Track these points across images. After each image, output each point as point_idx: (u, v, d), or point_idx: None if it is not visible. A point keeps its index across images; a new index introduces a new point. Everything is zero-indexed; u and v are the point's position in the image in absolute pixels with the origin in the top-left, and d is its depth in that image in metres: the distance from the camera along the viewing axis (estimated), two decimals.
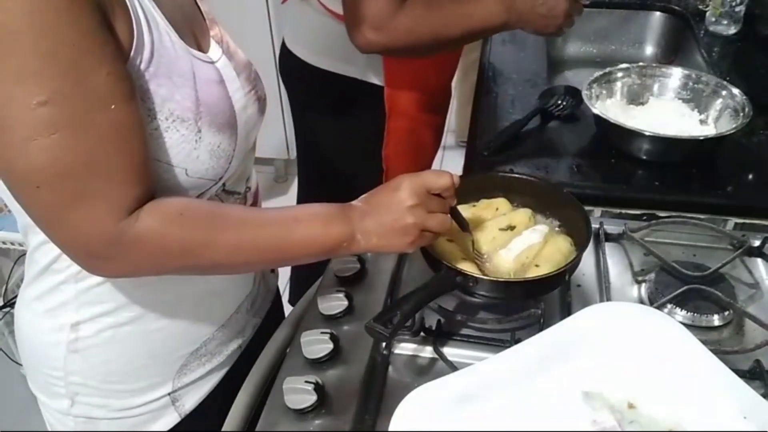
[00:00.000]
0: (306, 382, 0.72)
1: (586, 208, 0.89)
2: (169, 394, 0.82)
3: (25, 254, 0.78)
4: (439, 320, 0.82)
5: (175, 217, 0.64)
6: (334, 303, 0.84)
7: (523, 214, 0.89)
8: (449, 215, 0.74)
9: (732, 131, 1.10)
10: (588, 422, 0.66)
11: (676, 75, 1.30)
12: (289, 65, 1.34)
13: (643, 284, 0.91)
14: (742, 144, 1.20)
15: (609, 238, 0.98)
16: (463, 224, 0.81)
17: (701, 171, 1.14)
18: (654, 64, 1.40)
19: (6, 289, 1.67)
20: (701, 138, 1.14)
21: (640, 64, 1.34)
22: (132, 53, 0.62)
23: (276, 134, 2.60)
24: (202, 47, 0.74)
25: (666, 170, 1.14)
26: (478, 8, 1.10)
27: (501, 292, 0.82)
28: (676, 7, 1.73)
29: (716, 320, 0.84)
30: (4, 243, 1.62)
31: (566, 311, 0.84)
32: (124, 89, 0.60)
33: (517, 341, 0.74)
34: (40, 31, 0.54)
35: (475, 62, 1.67)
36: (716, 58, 1.53)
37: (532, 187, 0.93)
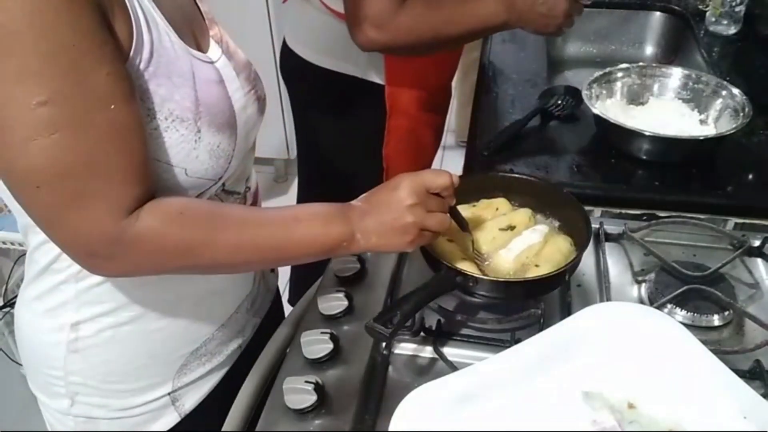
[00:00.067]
0: (306, 382, 0.72)
1: (586, 208, 0.89)
2: (169, 393, 0.82)
3: (25, 254, 0.78)
4: (439, 320, 0.82)
5: (176, 217, 0.64)
6: (334, 303, 0.84)
7: (523, 214, 0.89)
8: (448, 215, 0.74)
9: (732, 131, 1.10)
10: (588, 422, 0.66)
11: (676, 75, 1.30)
12: (290, 64, 1.34)
13: (643, 284, 0.91)
14: (742, 144, 1.20)
15: (609, 238, 0.98)
16: (463, 224, 0.81)
17: (701, 171, 1.14)
18: (654, 64, 1.40)
19: (6, 289, 1.67)
20: (701, 138, 1.14)
21: (640, 64, 1.34)
22: (131, 53, 0.62)
23: (276, 134, 2.60)
24: (201, 47, 0.74)
25: (666, 170, 1.14)
26: (479, 7, 1.11)
27: (501, 292, 0.82)
28: (676, 7, 1.73)
29: (716, 320, 0.84)
30: (4, 243, 1.62)
31: (566, 311, 0.84)
32: (123, 89, 0.60)
33: (517, 341, 0.74)
34: (40, 31, 0.54)
35: (475, 62, 1.68)
36: (716, 58, 1.53)
37: (532, 187, 0.93)
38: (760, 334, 0.81)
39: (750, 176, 1.15)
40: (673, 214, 1.04)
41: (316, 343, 0.77)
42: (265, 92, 0.84)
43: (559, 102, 1.31)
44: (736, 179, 1.13)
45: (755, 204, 1.09)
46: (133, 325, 0.76)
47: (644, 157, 1.16)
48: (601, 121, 1.18)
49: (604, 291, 0.87)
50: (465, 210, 0.87)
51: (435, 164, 1.54)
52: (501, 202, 0.92)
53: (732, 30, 1.62)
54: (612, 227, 1.00)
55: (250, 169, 0.85)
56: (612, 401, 0.68)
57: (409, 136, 1.33)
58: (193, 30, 0.74)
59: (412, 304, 0.74)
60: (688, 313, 0.84)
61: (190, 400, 0.85)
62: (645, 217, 1.07)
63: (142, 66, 0.63)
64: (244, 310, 0.89)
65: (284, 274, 1.36)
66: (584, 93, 1.21)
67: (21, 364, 1.14)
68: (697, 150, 1.15)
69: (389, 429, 0.64)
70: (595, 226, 0.96)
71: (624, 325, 0.74)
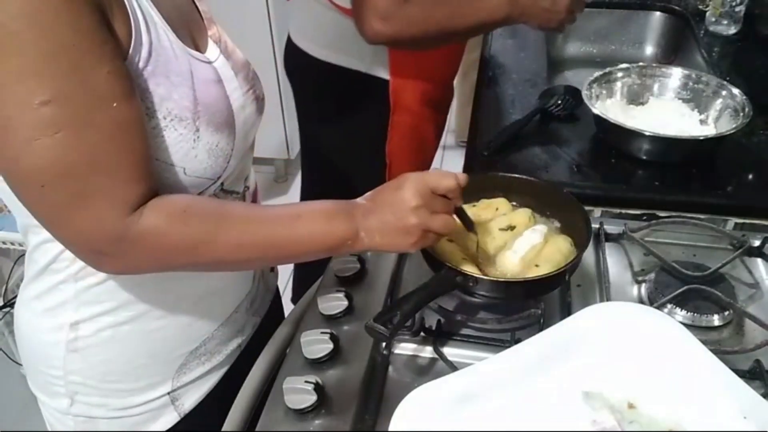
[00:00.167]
0: (306, 382, 0.72)
1: (586, 208, 0.89)
2: (168, 393, 0.82)
3: (24, 254, 0.78)
4: (439, 320, 0.82)
5: (179, 214, 0.64)
6: (334, 303, 0.84)
7: (523, 214, 0.89)
8: (454, 216, 0.74)
9: (732, 131, 1.10)
10: (588, 422, 0.66)
11: (676, 75, 1.30)
12: (295, 60, 1.35)
13: (643, 284, 0.91)
14: (742, 144, 1.20)
15: (609, 238, 0.98)
16: (469, 224, 0.80)
17: (701, 171, 1.14)
18: (654, 64, 1.40)
19: (6, 289, 1.67)
20: (701, 138, 1.14)
21: (640, 64, 1.34)
22: (130, 52, 0.62)
23: (276, 134, 2.60)
24: (199, 47, 0.74)
25: (666, 170, 1.14)
26: (483, 1, 1.12)
27: (501, 292, 0.82)
28: (676, 7, 1.73)
29: (716, 320, 0.84)
30: (4, 243, 1.63)
31: (566, 311, 0.84)
32: (124, 87, 0.60)
33: (517, 341, 0.74)
34: (40, 31, 0.54)
35: (475, 62, 1.68)
36: (716, 58, 1.53)
37: (532, 187, 0.93)
38: (760, 334, 0.81)
39: (750, 176, 1.15)
40: (673, 214, 1.04)
41: (316, 343, 0.77)
42: (263, 92, 0.84)
43: (559, 102, 1.31)
44: (736, 179, 1.13)
45: (755, 204, 1.09)
46: (133, 325, 0.76)
47: (644, 157, 1.16)
48: (601, 121, 1.18)
49: (604, 291, 0.87)
50: (465, 210, 0.87)
51: (435, 164, 1.55)
52: (501, 202, 0.92)
53: (732, 30, 1.62)
54: (612, 227, 1.00)
55: (248, 168, 0.85)
56: (612, 401, 0.68)
57: (412, 133, 1.34)
58: (191, 30, 0.74)
59: (412, 304, 0.74)
60: (688, 313, 0.84)
61: (190, 399, 0.85)
62: (645, 217, 1.07)
63: (140, 65, 0.63)
64: (244, 310, 0.89)
65: (284, 273, 1.36)
66: (584, 93, 1.21)
67: (21, 364, 1.14)
68: (697, 150, 1.15)
69: (389, 429, 0.64)
70: (595, 226, 0.96)
71: (624, 325, 0.74)
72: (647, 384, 0.69)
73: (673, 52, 1.72)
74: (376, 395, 0.76)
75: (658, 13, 1.74)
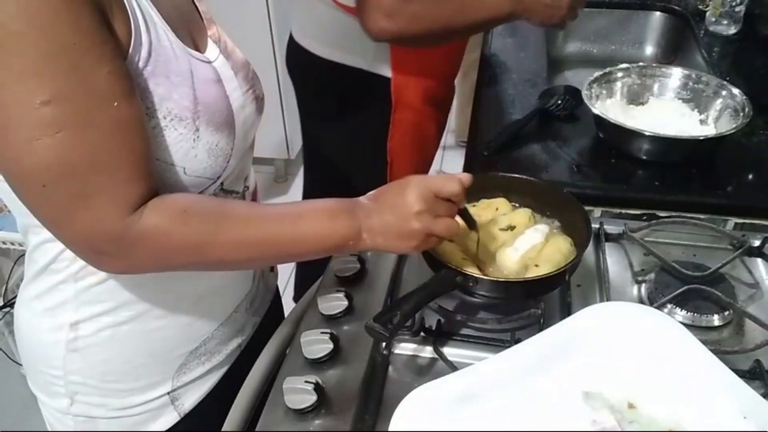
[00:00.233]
0: (306, 382, 0.72)
1: (586, 208, 0.89)
2: (168, 393, 0.82)
3: (24, 254, 0.78)
4: (439, 320, 0.82)
5: (179, 214, 0.64)
6: (334, 303, 0.84)
7: (523, 214, 0.89)
8: (457, 220, 0.73)
9: (732, 131, 1.10)
10: (588, 422, 0.66)
11: (676, 75, 1.30)
12: (297, 58, 1.36)
13: (643, 284, 0.91)
14: (742, 144, 1.20)
15: (609, 238, 0.98)
16: (471, 223, 0.80)
17: (701, 171, 1.14)
18: (654, 64, 1.40)
19: (6, 289, 1.67)
20: (701, 138, 1.14)
21: (640, 64, 1.34)
22: (130, 52, 0.62)
23: (276, 134, 2.60)
24: (199, 47, 0.74)
25: (666, 170, 1.14)
26: None
27: (501, 292, 0.82)
28: (676, 7, 1.73)
29: (716, 320, 0.84)
30: (4, 243, 1.63)
31: (566, 311, 0.84)
32: (124, 86, 0.60)
33: (517, 341, 0.74)
34: (40, 31, 0.55)
35: (475, 62, 1.68)
36: (716, 58, 1.53)
37: (532, 187, 0.93)
38: (760, 334, 0.81)
39: (750, 176, 1.15)
40: (673, 214, 1.04)
41: (316, 343, 0.77)
42: (263, 92, 0.84)
43: (559, 102, 1.31)
44: (736, 179, 1.13)
45: (755, 204, 1.09)
46: (133, 325, 0.76)
47: (644, 157, 1.16)
48: (601, 121, 1.18)
49: (604, 291, 0.87)
50: (467, 209, 0.87)
51: (435, 163, 1.55)
52: (501, 202, 0.92)
53: (732, 30, 1.62)
54: (612, 227, 1.00)
55: (248, 168, 0.85)
56: (612, 401, 0.68)
57: (414, 130, 1.34)
58: (191, 30, 0.74)
59: (412, 304, 0.74)
60: (688, 313, 0.84)
61: (190, 399, 0.85)
62: (645, 217, 1.07)
63: (140, 65, 0.63)
64: (244, 309, 0.89)
65: (284, 273, 1.36)
66: (584, 93, 1.21)
67: (21, 364, 1.14)
68: (697, 150, 1.15)
69: (389, 429, 0.64)
70: (595, 226, 0.96)
71: (624, 325, 0.74)
72: (647, 384, 0.69)
73: (673, 52, 1.72)
74: (376, 395, 0.76)
75: (658, 13, 1.74)
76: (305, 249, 0.70)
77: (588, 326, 0.74)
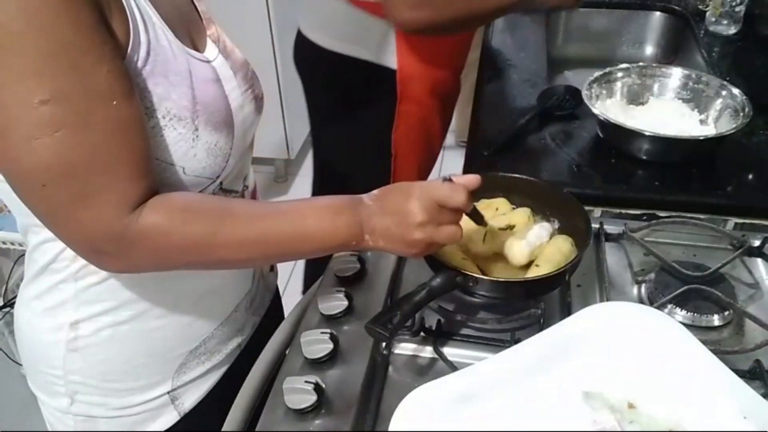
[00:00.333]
0: (306, 382, 0.72)
1: (586, 208, 0.89)
2: (168, 392, 0.82)
3: (24, 254, 0.78)
4: (439, 320, 0.82)
5: (179, 213, 0.64)
6: (334, 303, 0.84)
7: (522, 214, 0.89)
8: (461, 228, 0.72)
9: (732, 131, 1.10)
10: (588, 422, 0.66)
11: (676, 75, 1.30)
12: (304, 52, 1.37)
13: (643, 284, 0.91)
14: (742, 144, 1.20)
15: (609, 238, 0.98)
16: (479, 220, 0.79)
17: (701, 171, 1.14)
18: (654, 64, 1.39)
19: (6, 289, 1.67)
20: (701, 138, 1.14)
21: (640, 64, 1.34)
22: (129, 51, 0.62)
23: (276, 134, 2.60)
24: (198, 46, 0.74)
25: (666, 170, 1.14)
26: None
27: (501, 292, 0.82)
28: (676, 7, 1.73)
29: (716, 320, 0.84)
30: (4, 243, 1.63)
31: (566, 311, 0.84)
32: (124, 86, 0.60)
33: (517, 341, 0.74)
34: (40, 31, 0.55)
35: (475, 62, 1.68)
36: (716, 58, 1.53)
37: (532, 187, 0.93)
38: (760, 334, 0.81)
39: (750, 176, 1.15)
40: (673, 214, 1.04)
41: (316, 343, 0.77)
42: (262, 91, 0.84)
43: (559, 102, 1.31)
44: (736, 179, 1.13)
45: (755, 204, 1.09)
46: (132, 324, 0.76)
47: (644, 157, 1.16)
48: (601, 121, 1.18)
49: (604, 291, 0.87)
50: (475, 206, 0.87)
51: (435, 164, 1.54)
52: (501, 202, 0.92)
53: (732, 30, 1.62)
54: (612, 227, 1.00)
55: (248, 168, 0.85)
56: (612, 401, 0.68)
57: (419, 124, 1.35)
58: (189, 29, 0.74)
59: (412, 304, 0.74)
60: (688, 313, 0.84)
61: (190, 399, 0.85)
62: (645, 217, 1.07)
63: (139, 65, 0.63)
64: (243, 309, 0.89)
65: (284, 273, 1.36)
66: (584, 93, 1.21)
67: (21, 364, 1.14)
68: (697, 150, 1.15)
69: (389, 429, 0.64)
70: (595, 226, 0.96)
71: (624, 325, 0.74)
72: (647, 384, 0.69)
73: (673, 52, 1.72)
74: (376, 395, 0.76)
75: (658, 13, 1.74)
76: (307, 248, 0.69)
77: (588, 326, 0.74)
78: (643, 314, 0.75)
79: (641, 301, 0.88)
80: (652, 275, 0.91)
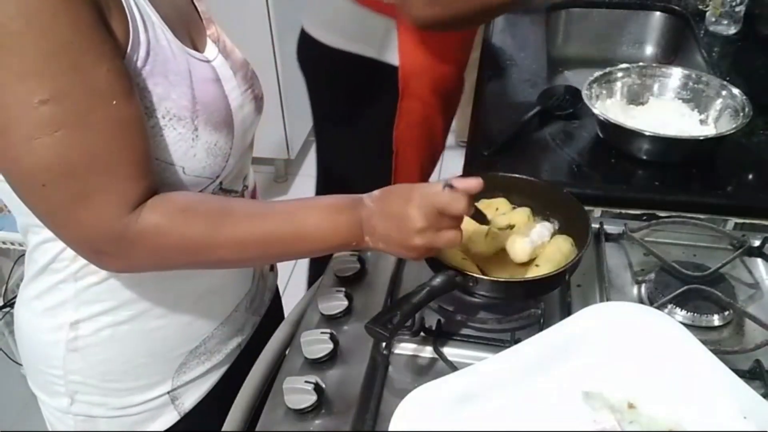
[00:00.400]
0: (306, 382, 0.72)
1: (586, 208, 0.89)
2: (168, 392, 0.82)
3: (24, 254, 0.78)
4: (439, 320, 0.82)
5: (179, 213, 0.64)
6: (334, 303, 0.84)
7: (522, 214, 0.89)
8: (461, 232, 0.71)
9: (732, 131, 1.10)
10: (588, 422, 0.66)
11: (676, 75, 1.29)
12: (308, 50, 1.37)
13: (643, 284, 0.91)
14: (742, 144, 1.20)
15: (609, 238, 0.98)
16: (482, 219, 0.79)
17: (701, 171, 1.14)
18: (654, 64, 1.39)
19: (6, 289, 1.67)
20: (701, 138, 1.14)
21: (640, 64, 1.34)
22: (128, 51, 0.62)
23: (276, 134, 2.60)
24: (198, 46, 0.74)
25: (666, 170, 1.14)
26: None
27: (501, 292, 0.82)
28: (676, 7, 1.73)
29: (716, 320, 0.84)
30: (4, 243, 1.63)
31: (566, 311, 0.84)
32: (123, 85, 0.60)
33: (517, 341, 0.74)
34: (39, 30, 0.55)
35: (474, 62, 1.68)
36: (716, 58, 1.53)
37: (532, 187, 0.93)
38: (760, 334, 0.81)
39: (750, 176, 1.15)
40: (673, 214, 1.04)
41: (316, 343, 0.77)
42: (262, 91, 0.84)
43: (559, 102, 1.31)
44: (736, 179, 1.13)
45: (755, 204, 1.09)
46: (132, 324, 0.76)
47: (644, 157, 1.15)
48: (601, 121, 1.18)
49: (604, 291, 0.87)
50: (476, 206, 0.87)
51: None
52: (501, 202, 0.92)
53: (732, 30, 1.62)
54: (612, 227, 1.00)
55: (247, 167, 0.85)
56: (612, 401, 0.68)
57: (421, 121, 1.35)
58: (189, 29, 0.74)
59: (412, 304, 0.74)
60: (688, 313, 0.84)
61: (190, 398, 0.85)
62: (645, 217, 1.07)
63: (139, 64, 0.63)
64: (243, 309, 0.89)
65: (284, 273, 1.36)
66: (584, 93, 1.21)
67: (21, 364, 1.14)
68: (697, 150, 1.15)
69: (389, 429, 0.64)
70: (595, 226, 0.96)
71: (624, 325, 0.74)
72: (647, 384, 0.69)
73: (673, 52, 1.72)
74: (376, 395, 0.76)
75: (658, 13, 1.74)
76: (307, 247, 0.69)
77: (588, 326, 0.74)
78: (643, 314, 0.75)
79: (641, 301, 0.88)
80: (652, 275, 0.91)
